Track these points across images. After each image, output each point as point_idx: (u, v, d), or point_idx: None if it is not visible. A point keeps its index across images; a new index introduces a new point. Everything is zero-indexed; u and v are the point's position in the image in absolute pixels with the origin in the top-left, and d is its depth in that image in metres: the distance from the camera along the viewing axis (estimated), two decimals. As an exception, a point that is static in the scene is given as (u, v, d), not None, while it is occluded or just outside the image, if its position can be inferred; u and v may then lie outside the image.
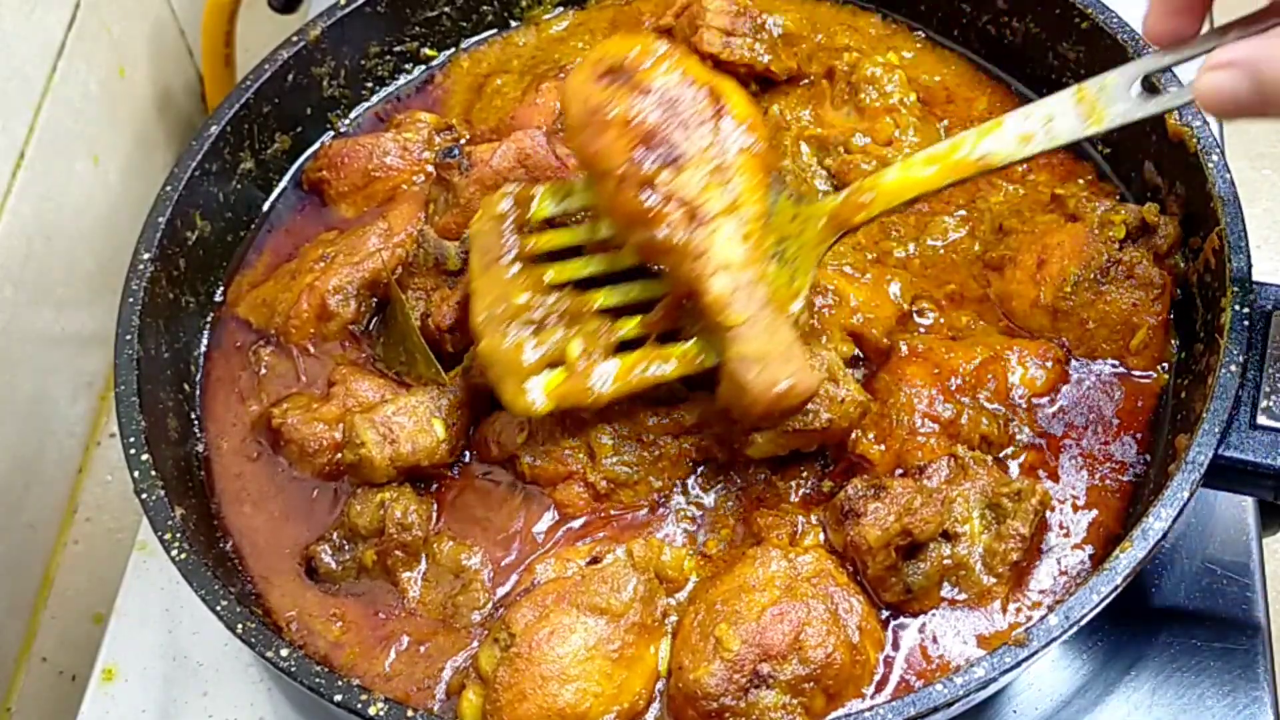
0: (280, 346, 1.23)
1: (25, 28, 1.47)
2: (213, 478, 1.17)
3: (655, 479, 1.11)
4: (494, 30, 1.45)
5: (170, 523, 1.04)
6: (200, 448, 1.19)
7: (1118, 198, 1.23)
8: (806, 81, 1.35)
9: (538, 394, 1.05)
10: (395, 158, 1.32)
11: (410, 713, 0.94)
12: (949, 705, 0.93)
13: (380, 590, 1.10)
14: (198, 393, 1.22)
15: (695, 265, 1.00)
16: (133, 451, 1.08)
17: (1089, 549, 1.08)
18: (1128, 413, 1.14)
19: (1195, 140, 1.13)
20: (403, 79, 1.42)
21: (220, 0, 1.67)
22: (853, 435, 1.11)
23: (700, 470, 1.12)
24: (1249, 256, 1.08)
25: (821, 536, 1.08)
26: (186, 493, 1.12)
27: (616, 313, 1.08)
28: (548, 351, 1.06)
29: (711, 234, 1.00)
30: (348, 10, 1.34)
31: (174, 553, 1.03)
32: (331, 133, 1.39)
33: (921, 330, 1.19)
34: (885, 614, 1.05)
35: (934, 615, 1.05)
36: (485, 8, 1.44)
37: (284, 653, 0.98)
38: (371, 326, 1.22)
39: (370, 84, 1.40)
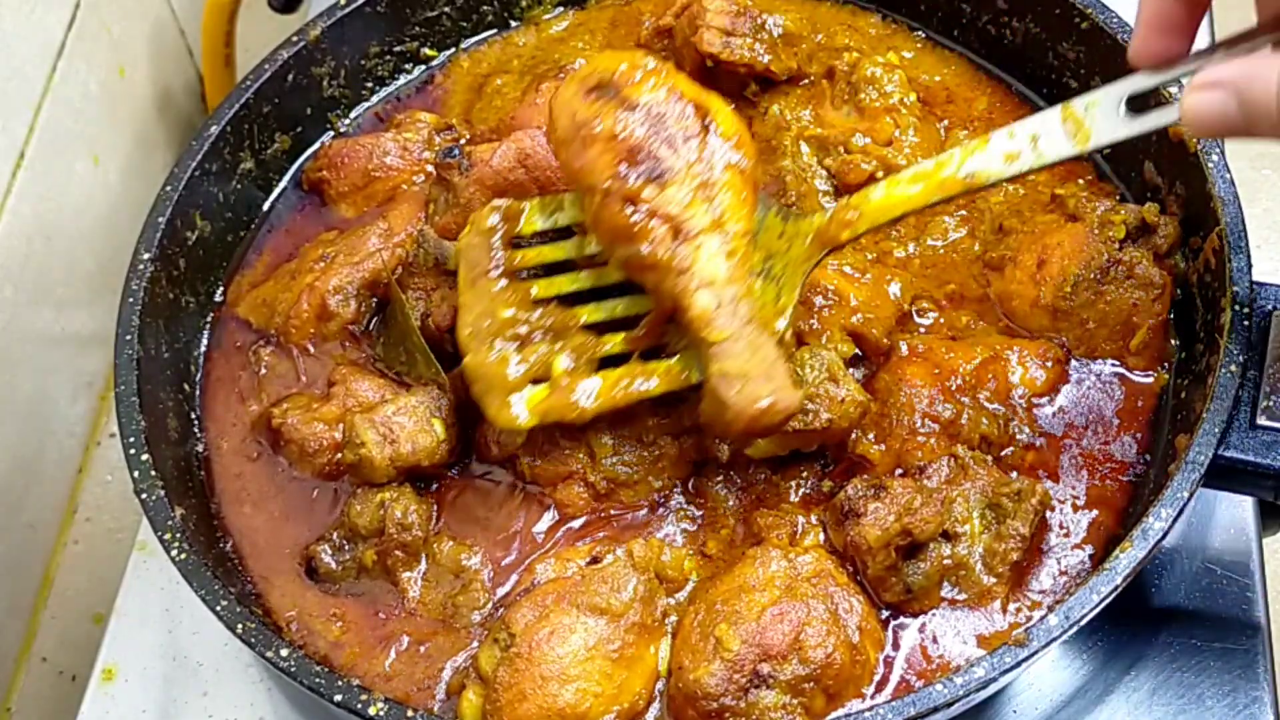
0: (280, 346, 1.23)
1: (25, 28, 1.47)
2: (213, 478, 1.17)
3: (655, 479, 1.11)
4: (494, 30, 1.45)
5: (170, 523, 1.04)
6: (200, 448, 1.19)
7: (1118, 198, 1.23)
8: (806, 81, 1.35)
9: (521, 409, 1.05)
10: (395, 158, 1.32)
11: (410, 713, 0.95)
12: (949, 705, 0.93)
13: (380, 590, 1.10)
14: (198, 393, 1.22)
15: (679, 281, 1.00)
16: (133, 451, 1.08)
17: (1089, 549, 1.08)
18: (1128, 413, 1.14)
19: (1195, 140, 1.13)
20: (403, 79, 1.42)
21: (220, 0, 1.67)
22: (853, 435, 1.11)
23: (700, 470, 1.12)
24: (1249, 256, 1.08)
25: (821, 536, 1.08)
26: (186, 493, 1.12)
27: (602, 328, 1.08)
28: (532, 367, 1.06)
29: (696, 250, 1.00)
30: (348, 10, 1.34)
31: (174, 553, 1.03)
32: (331, 133, 1.39)
33: (921, 330, 1.19)
34: (885, 614, 1.05)
35: (934, 615, 1.05)
36: (485, 8, 1.44)
37: (284, 653, 0.98)
38: (371, 326, 1.22)
39: (370, 84, 1.40)
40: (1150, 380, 1.15)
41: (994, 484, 1.06)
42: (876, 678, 1.02)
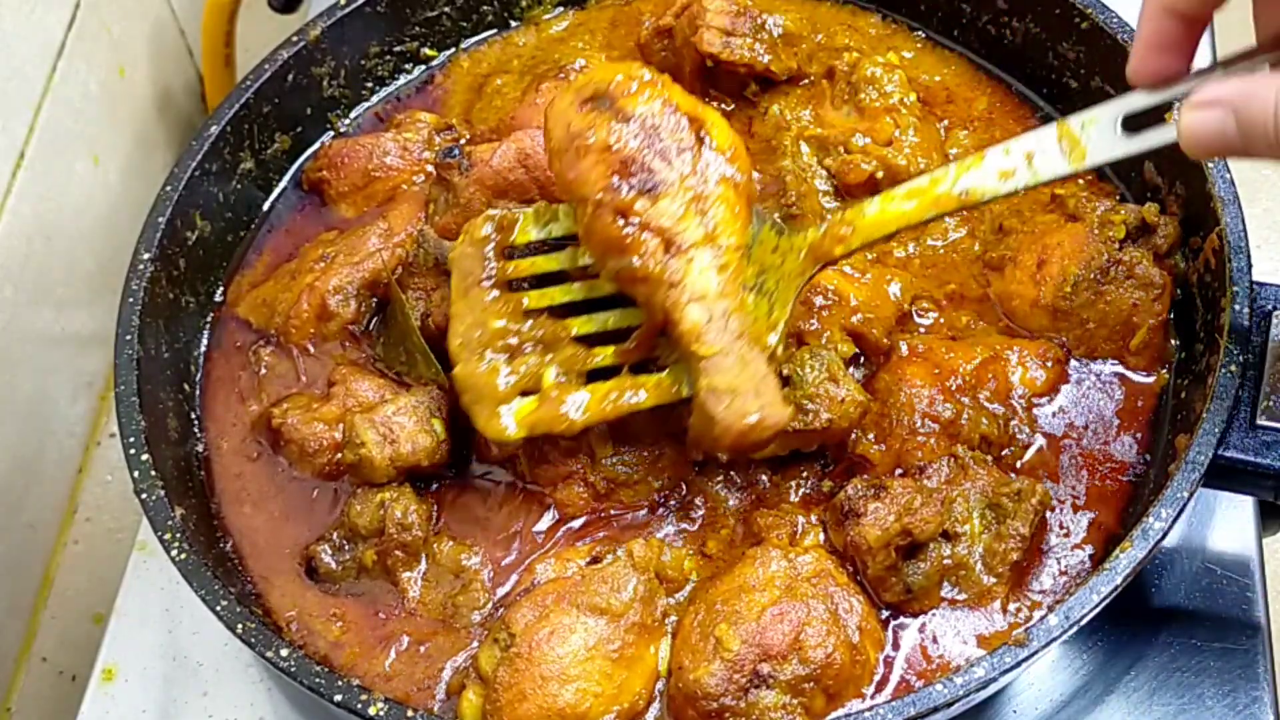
0: (280, 346, 1.23)
1: (25, 28, 1.47)
2: (213, 478, 1.17)
3: (655, 479, 1.11)
4: (494, 30, 1.45)
5: (170, 523, 1.04)
6: (200, 448, 1.19)
7: (1118, 198, 1.23)
8: (806, 81, 1.35)
9: (509, 420, 1.05)
10: (395, 158, 1.32)
11: (410, 713, 0.95)
12: (949, 705, 0.93)
13: (380, 590, 1.10)
14: (198, 393, 1.22)
15: (670, 295, 1.00)
16: (133, 451, 1.08)
17: (1089, 549, 1.08)
18: (1128, 413, 1.14)
19: (1195, 140, 1.13)
20: (403, 79, 1.42)
21: (220, 0, 1.67)
22: (853, 435, 1.11)
23: (700, 470, 1.12)
24: (1249, 256, 1.08)
25: (821, 536, 1.08)
26: (186, 493, 1.12)
27: (594, 340, 1.08)
28: (522, 378, 1.06)
29: (687, 264, 1.00)
30: (348, 10, 1.34)
31: (174, 553, 1.03)
32: (331, 133, 1.39)
33: (921, 330, 1.19)
34: (885, 614, 1.05)
35: (934, 615, 1.05)
36: (485, 8, 1.44)
37: (284, 653, 0.98)
38: (371, 326, 1.22)
39: (370, 84, 1.40)
40: (1150, 380, 1.15)
41: (994, 484, 1.06)
42: (876, 678, 1.02)
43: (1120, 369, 1.16)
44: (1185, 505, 0.99)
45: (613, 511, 1.11)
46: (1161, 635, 1.15)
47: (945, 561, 1.04)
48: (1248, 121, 0.82)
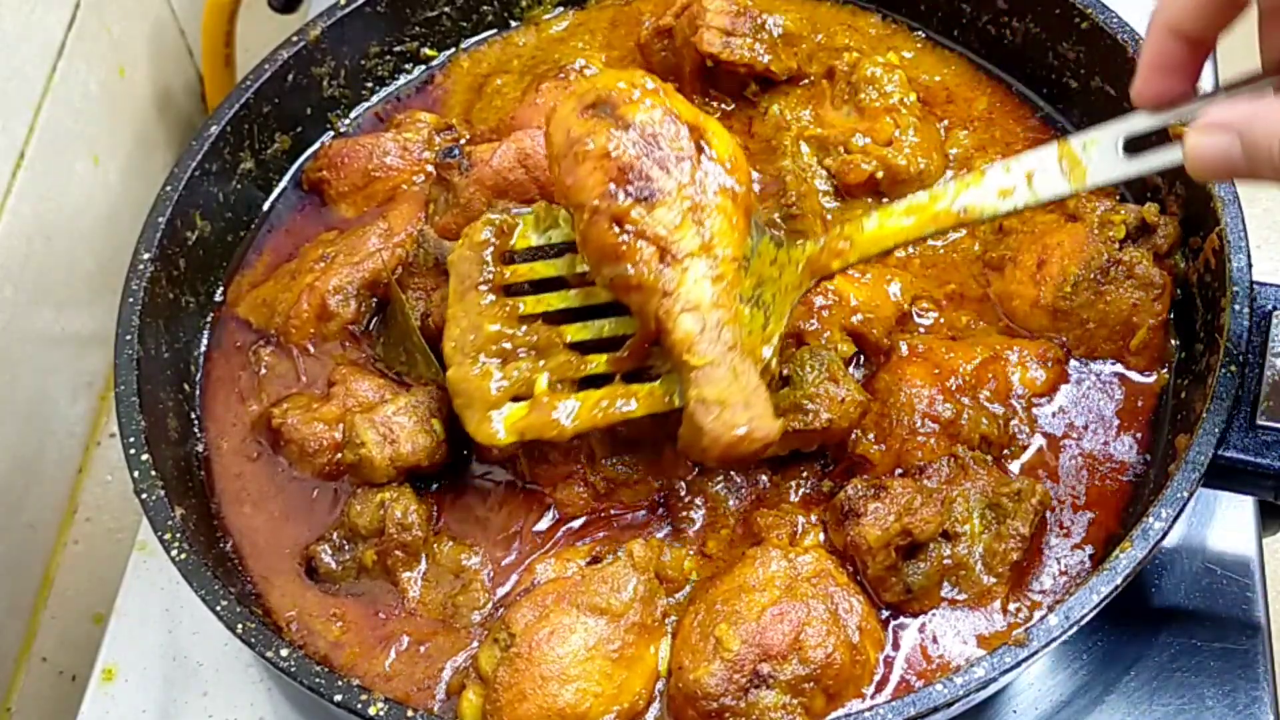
0: (280, 346, 1.23)
1: (25, 28, 1.47)
2: (213, 478, 1.17)
3: (655, 479, 1.11)
4: (494, 30, 1.45)
5: (170, 523, 1.04)
6: (200, 448, 1.19)
7: (1118, 198, 1.23)
8: (806, 81, 1.35)
9: (500, 425, 1.05)
10: (395, 158, 1.32)
11: (410, 713, 0.95)
12: (949, 705, 0.93)
13: (380, 590, 1.10)
14: (198, 393, 1.22)
15: (663, 303, 1.00)
16: (133, 451, 1.08)
17: (1089, 549, 1.08)
18: (1128, 413, 1.14)
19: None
20: (403, 79, 1.42)
21: (220, 0, 1.67)
22: (853, 435, 1.11)
23: (700, 470, 1.12)
24: (1249, 256, 1.08)
25: (821, 536, 1.08)
26: (186, 493, 1.12)
27: (588, 347, 1.08)
28: (514, 383, 1.06)
29: (682, 273, 1.00)
30: (348, 10, 1.34)
31: (174, 553, 1.03)
32: (331, 133, 1.39)
33: (921, 330, 1.19)
34: (885, 614, 1.05)
35: (934, 615, 1.05)
36: (485, 8, 1.44)
37: (284, 653, 0.98)
38: (371, 326, 1.22)
39: (370, 84, 1.40)
40: (1150, 380, 1.15)
41: (994, 484, 1.06)
42: (876, 678, 1.02)
43: (1120, 369, 1.16)
44: (1185, 505, 0.99)
45: (613, 511, 1.11)
46: (1161, 635, 1.15)
47: (945, 561, 1.04)
48: (1253, 145, 0.82)
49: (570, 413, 1.05)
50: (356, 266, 1.22)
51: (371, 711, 0.95)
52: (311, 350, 1.22)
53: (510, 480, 1.13)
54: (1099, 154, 0.98)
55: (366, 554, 1.09)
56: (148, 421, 1.11)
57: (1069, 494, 1.10)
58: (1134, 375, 1.16)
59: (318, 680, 0.96)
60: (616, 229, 1.00)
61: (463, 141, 1.34)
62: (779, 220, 1.23)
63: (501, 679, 0.98)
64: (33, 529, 1.52)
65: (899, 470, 1.09)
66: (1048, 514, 1.08)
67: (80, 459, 1.61)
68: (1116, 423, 1.14)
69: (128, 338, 1.14)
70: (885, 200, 1.26)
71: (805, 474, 1.11)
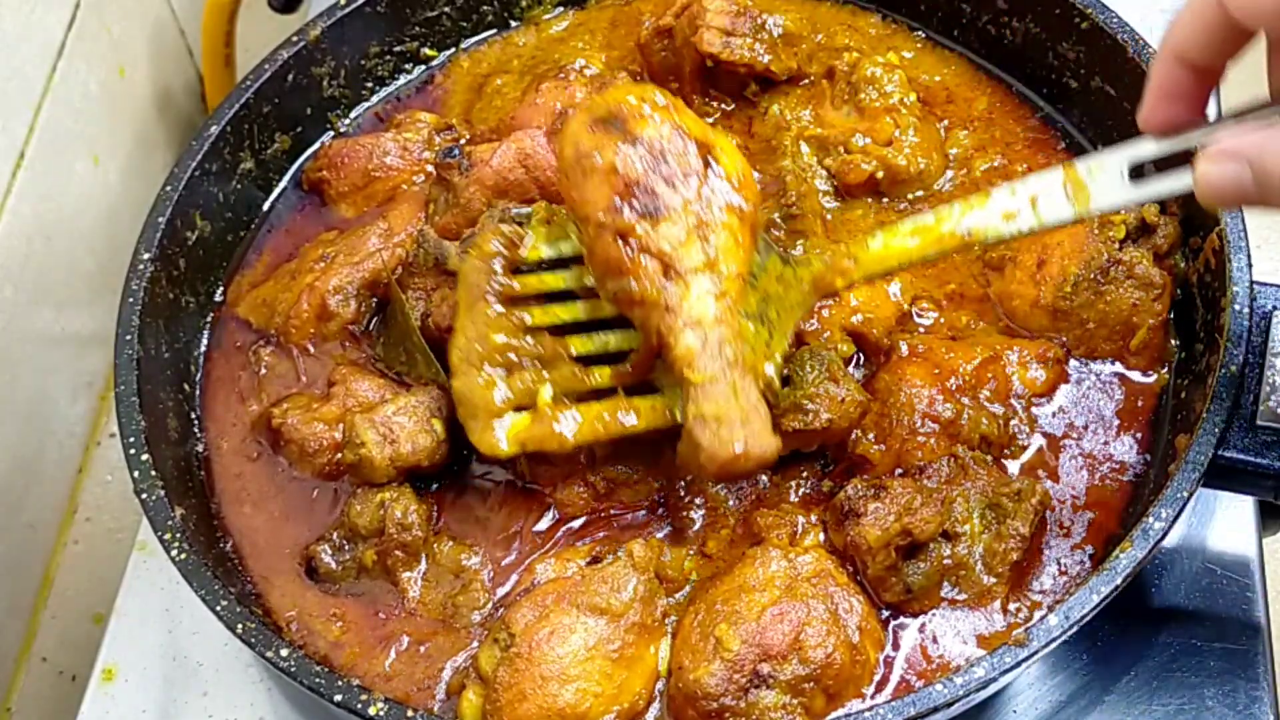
0: (280, 346, 1.23)
1: (25, 28, 1.47)
2: (213, 478, 1.17)
3: (655, 479, 1.11)
4: (494, 30, 1.45)
5: (170, 523, 1.04)
6: (200, 448, 1.19)
7: (1118, 198, 1.23)
8: (806, 81, 1.35)
9: (502, 436, 1.06)
10: (395, 158, 1.32)
11: (410, 713, 0.95)
12: (949, 705, 0.93)
13: (380, 590, 1.10)
14: (198, 393, 1.22)
15: (665, 319, 1.00)
16: (133, 451, 1.08)
17: (1089, 549, 1.08)
18: (1128, 413, 1.14)
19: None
20: (403, 79, 1.42)
21: (220, 0, 1.67)
22: (853, 435, 1.11)
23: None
24: (1249, 256, 1.08)
25: (821, 536, 1.08)
26: (186, 493, 1.12)
27: (593, 360, 1.08)
28: (518, 394, 1.07)
29: (685, 289, 1.00)
30: (348, 10, 1.34)
31: (174, 553, 1.03)
32: (331, 133, 1.39)
33: (921, 330, 1.19)
34: (885, 614, 1.05)
35: (934, 615, 1.05)
36: (485, 8, 1.44)
37: (284, 653, 0.98)
38: (371, 326, 1.22)
39: (370, 84, 1.40)
40: (1150, 380, 1.15)
41: (994, 484, 1.06)
42: (876, 678, 1.02)
43: (1120, 369, 1.16)
44: (1185, 505, 0.99)
45: (613, 511, 1.11)
46: (1161, 635, 1.15)
47: (945, 561, 1.04)
48: (1264, 174, 0.83)
49: (572, 425, 1.05)
50: (356, 266, 1.22)
51: (371, 711, 0.95)
52: (311, 350, 1.22)
53: (510, 480, 1.13)
54: (1104, 179, 0.98)
55: (366, 554, 1.09)
56: (148, 421, 1.11)
57: (1069, 494, 1.10)
58: (1134, 375, 1.16)
59: (318, 680, 0.96)
60: (621, 244, 1.00)
61: (463, 141, 1.34)
62: (779, 220, 1.23)
63: (501, 679, 0.98)
64: (33, 529, 1.52)
65: (899, 470, 1.09)
66: (1048, 514, 1.08)
67: (80, 459, 1.61)
68: (1116, 423, 1.14)
69: (128, 338, 1.14)
70: (885, 200, 1.26)
71: (805, 474, 1.11)
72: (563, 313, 1.09)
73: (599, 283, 1.04)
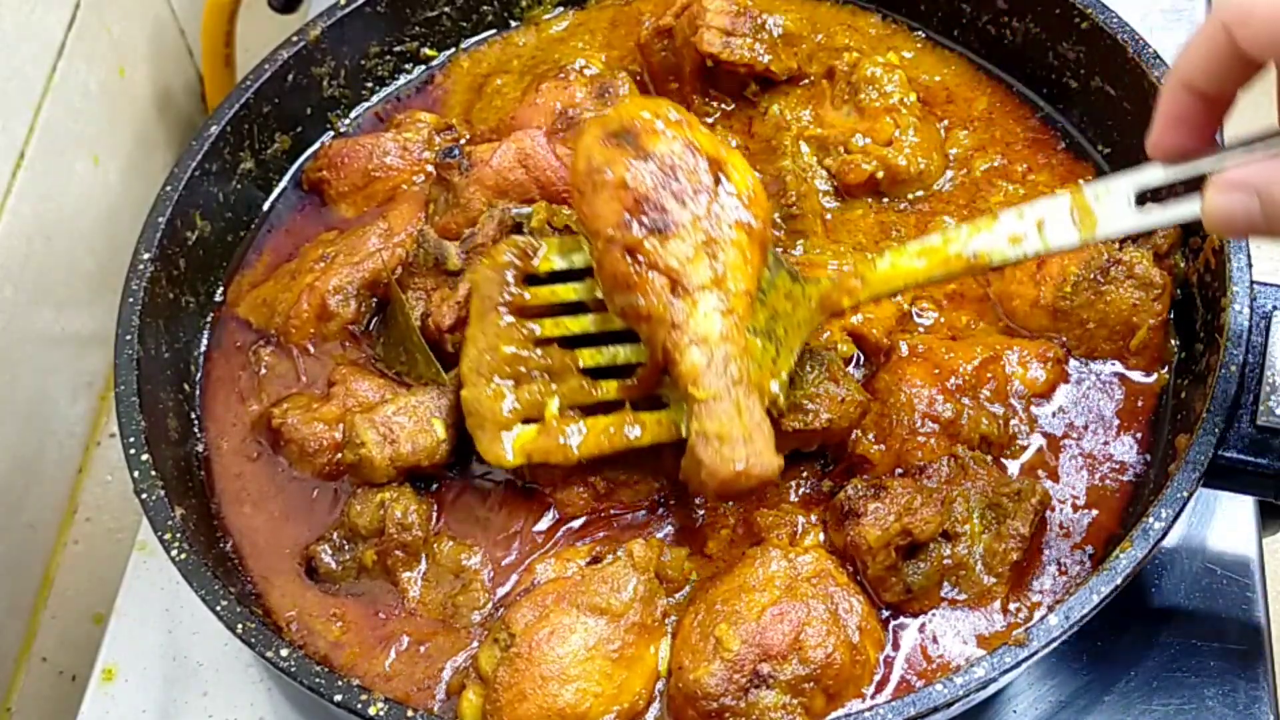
0: (280, 346, 1.23)
1: (25, 28, 1.47)
2: (213, 478, 1.17)
3: (655, 479, 1.11)
4: (494, 30, 1.45)
5: (170, 523, 1.04)
6: (200, 448, 1.19)
7: (1118, 198, 1.23)
8: (806, 81, 1.35)
9: (509, 447, 1.06)
10: (395, 158, 1.32)
11: (410, 713, 0.95)
12: (949, 705, 0.93)
13: (380, 590, 1.10)
14: (198, 393, 1.22)
15: (671, 335, 1.00)
16: (133, 451, 1.08)
17: (1089, 549, 1.08)
18: (1128, 413, 1.14)
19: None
20: (403, 79, 1.42)
21: (220, 0, 1.67)
22: (853, 435, 1.11)
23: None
24: (1249, 256, 1.08)
25: (821, 536, 1.08)
26: (186, 493, 1.12)
27: (601, 373, 1.08)
28: (525, 406, 1.07)
29: (692, 306, 1.00)
30: (348, 10, 1.34)
31: (174, 553, 1.03)
32: (331, 133, 1.39)
33: (921, 330, 1.19)
34: (885, 614, 1.05)
35: (934, 615, 1.05)
36: (485, 8, 1.44)
37: (284, 653, 0.98)
38: (371, 326, 1.22)
39: (370, 84, 1.40)
40: (1150, 380, 1.15)
41: (994, 484, 1.06)
42: (876, 678, 1.02)
43: (1120, 369, 1.16)
44: (1185, 505, 0.99)
45: (613, 511, 1.11)
46: (1161, 635, 1.15)
47: (945, 561, 1.04)
48: (1273, 205, 0.82)
49: (578, 438, 1.06)
50: (356, 266, 1.22)
51: (371, 711, 0.95)
52: (311, 350, 1.22)
53: (510, 480, 1.13)
54: (1111, 205, 0.98)
55: (366, 554, 1.09)
56: (148, 421, 1.11)
57: (1069, 494, 1.10)
58: (1134, 375, 1.16)
59: (318, 680, 0.96)
60: (629, 259, 1.00)
61: (463, 141, 1.34)
62: (779, 220, 1.23)
63: (501, 679, 0.98)
64: (33, 529, 1.52)
65: (899, 470, 1.09)
66: (1048, 514, 1.08)
67: (80, 459, 1.61)
68: (1116, 423, 1.14)
69: (128, 338, 1.14)
70: (885, 200, 1.26)
71: (805, 474, 1.11)
72: (573, 325, 1.10)
73: (607, 297, 1.05)
